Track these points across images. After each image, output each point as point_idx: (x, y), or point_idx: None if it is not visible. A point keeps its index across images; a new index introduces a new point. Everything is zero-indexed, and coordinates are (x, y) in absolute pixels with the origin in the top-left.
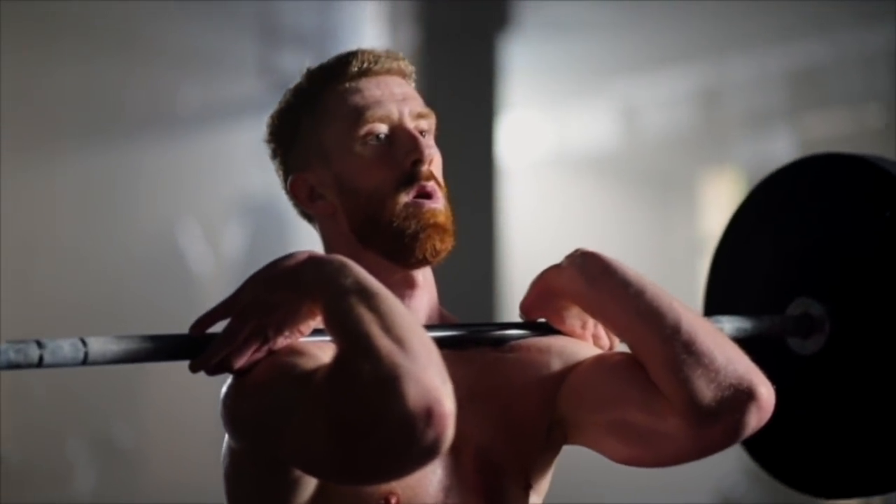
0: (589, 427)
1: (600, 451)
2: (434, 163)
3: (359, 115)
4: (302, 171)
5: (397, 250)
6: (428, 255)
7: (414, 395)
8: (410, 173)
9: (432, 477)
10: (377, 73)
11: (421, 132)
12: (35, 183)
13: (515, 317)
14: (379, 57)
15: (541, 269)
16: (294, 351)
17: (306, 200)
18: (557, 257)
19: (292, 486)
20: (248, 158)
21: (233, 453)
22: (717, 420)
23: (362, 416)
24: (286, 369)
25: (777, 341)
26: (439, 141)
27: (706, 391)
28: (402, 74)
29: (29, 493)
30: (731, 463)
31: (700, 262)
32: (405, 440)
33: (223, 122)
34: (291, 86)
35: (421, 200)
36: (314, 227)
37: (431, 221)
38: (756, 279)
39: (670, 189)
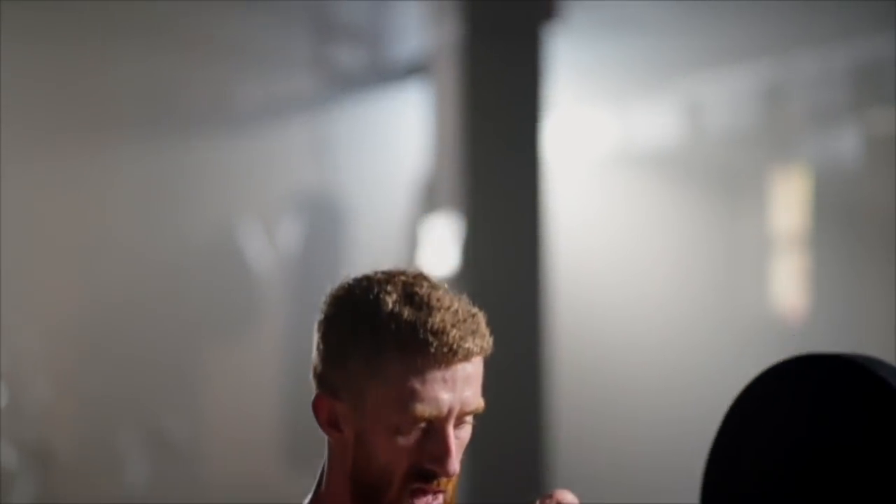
0: None
1: None
2: (454, 472)
3: (410, 406)
4: (332, 397)
5: None
6: None
7: None
8: (426, 476)
9: None
10: (450, 363)
11: (464, 414)
12: (98, 178)
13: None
14: (461, 343)
15: (597, 269)
16: None
17: (325, 423)
18: (619, 256)
19: None
20: (303, 153)
21: None
22: None
23: None
24: None
25: None
26: (485, 140)
27: None
28: (480, 354)
29: (81, 486)
30: None
31: (769, 261)
32: None
33: (278, 118)
34: (367, 305)
35: (422, 499)
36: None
37: None
38: (750, 477)
39: (736, 187)
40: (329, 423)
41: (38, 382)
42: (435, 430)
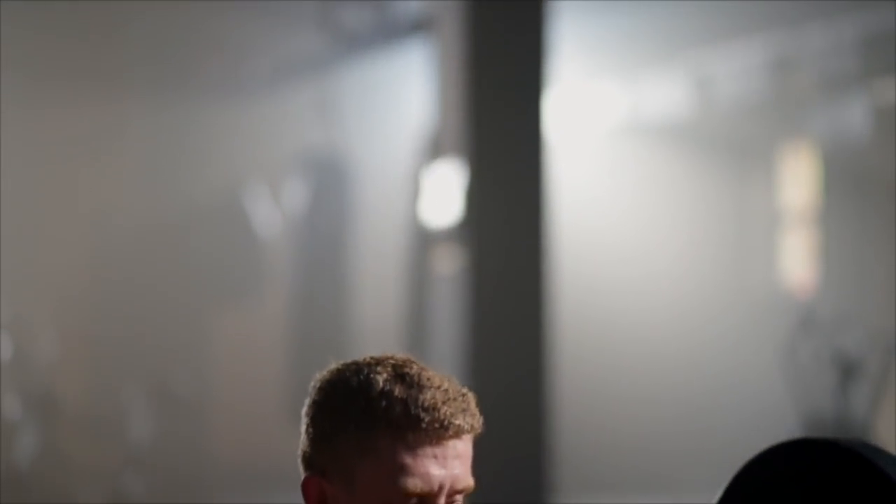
0: None
1: None
2: None
3: (401, 483)
4: (321, 478)
5: None
6: None
7: None
8: None
9: None
10: (441, 440)
11: (455, 492)
12: (106, 137)
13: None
14: (451, 420)
15: (603, 242)
16: None
17: (313, 501)
18: (625, 228)
19: None
20: (308, 113)
21: None
22: None
23: None
24: None
25: None
26: (488, 112)
27: None
28: (471, 432)
29: (85, 438)
30: (787, 416)
31: (778, 234)
32: None
33: (284, 78)
34: (359, 381)
35: None
36: None
37: None
38: None
39: (745, 160)
40: (318, 501)
41: (45, 335)
42: None
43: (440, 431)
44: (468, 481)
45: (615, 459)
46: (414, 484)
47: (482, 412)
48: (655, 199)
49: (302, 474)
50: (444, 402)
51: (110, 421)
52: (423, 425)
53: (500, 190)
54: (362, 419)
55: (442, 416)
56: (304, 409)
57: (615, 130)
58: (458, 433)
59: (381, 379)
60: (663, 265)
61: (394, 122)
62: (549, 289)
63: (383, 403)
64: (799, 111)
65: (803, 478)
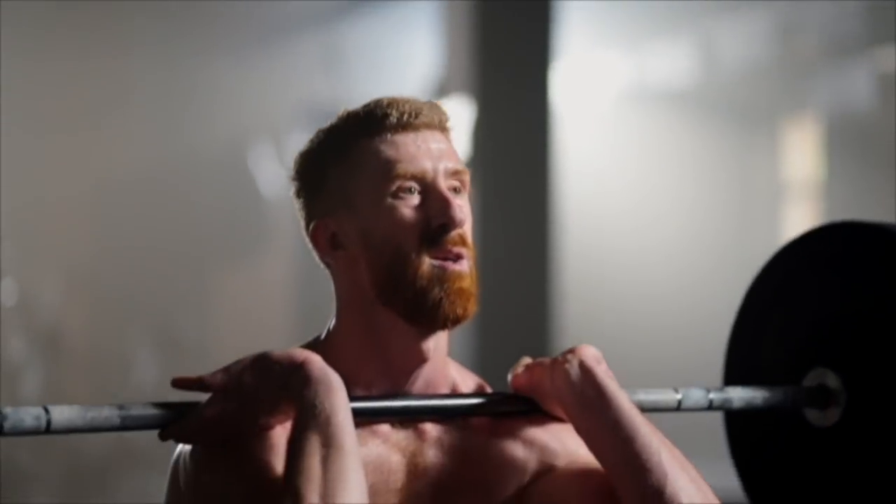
0: None
1: None
2: (465, 225)
3: (391, 169)
4: (325, 218)
5: (418, 313)
6: (449, 323)
7: None
8: (438, 236)
9: None
10: (415, 128)
11: (455, 189)
12: (109, 90)
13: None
14: (419, 110)
15: (608, 210)
16: (266, 444)
17: (327, 248)
18: (630, 196)
19: None
20: (314, 67)
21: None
22: None
23: None
24: (245, 472)
25: (793, 413)
26: (495, 86)
27: None
28: (442, 129)
29: (91, 381)
30: None
31: (782, 204)
32: None
33: (290, 32)
34: (324, 127)
35: (446, 263)
36: (330, 275)
37: (456, 286)
38: (773, 349)
39: (750, 127)
40: (331, 245)
41: (50, 279)
42: (429, 191)
43: (410, 120)
44: (460, 163)
45: None
46: (404, 168)
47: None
48: (659, 167)
49: (307, 239)
50: (406, 101)
51: (115, 366)
52: (392, 119)
53: (507, 154)
54: (338, 145)
55: (408, 108)
56: (292, 193)
57: (619, 98)
58: (428, 124)
59: (345, 112)
60: (666, 233)
61: (400, 76)
62: (554, 258)
63: (349, 121)
64: (803, 78)
65: (844, 260)
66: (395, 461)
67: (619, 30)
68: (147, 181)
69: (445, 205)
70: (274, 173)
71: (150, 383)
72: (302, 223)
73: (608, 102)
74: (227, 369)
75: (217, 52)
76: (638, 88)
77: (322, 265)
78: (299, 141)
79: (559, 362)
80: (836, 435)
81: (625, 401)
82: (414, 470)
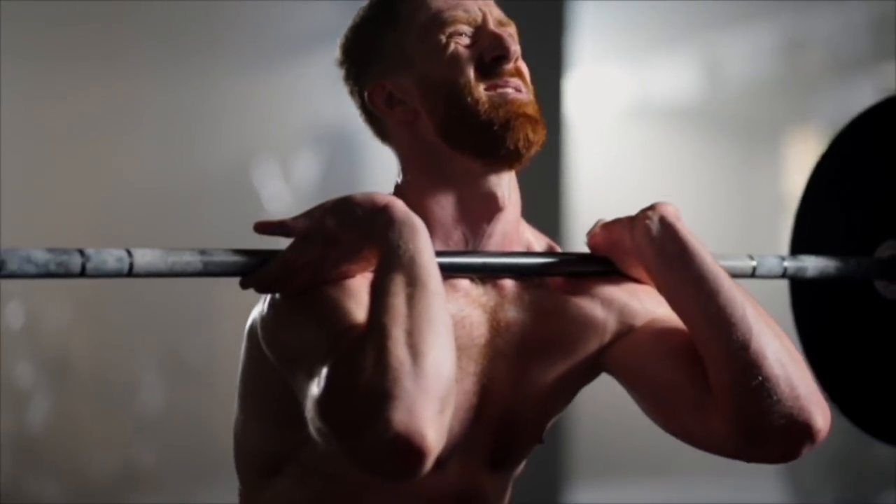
0: (631, 389)
1: (634, 399)
2: (521, 63)
3: (442, 16)
4: (380, 80)
5: (488, 142)
6: (521, 146)
7: (399, 422)
8: (493, 67)
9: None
10: None
11: (500, 24)
12: (115, 109)
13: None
14: None
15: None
16: (345, 288)
17: (385, 108)
18: (636, 210)
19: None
20: (321, 87)
21: (260, 345)
22: (766, 445)
23: (345, 420)
24: (326, 311)
25: (864, 284)
26: None
27: (761, 419)
28: None
29: (97, 406)
30: None
31: (782, 218)
32: (377, 459)
33: (298, 51)
34: (366, 3)
35: (506, 91)
36: (388, 146)
37: (521, 111)
38: (845, 219)
39: (754, 143)
40: (388, 104)
41: (56, 302)
42: (480, 32)
43: None
44: (504, 16)
45: (632, 445)
46: (454, 14)
47: None
48: (663, 181)
49: (363, 116)
50: None
51: (122, 390)
52: None
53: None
54: (385, 8)
55: None
56: (342, 77)
57: (624, 113)
58: None
59: None
60: None
61: None
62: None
63: None
64: (807, 94)
65: None
66: (477, 316)
67: (623, 45)
68: (153, 202)
69: (498, 39)
70: (280, 193)
71: (158, 407)
72: (356, 102)
73: (612, 117)
74: (309, 213)
75: (223, 72)
76: (642, 103)
77: (380, 139)
78: (305, 161)
79: (640, 218)
80: None
81: (707, 256)
82: (496, 326)
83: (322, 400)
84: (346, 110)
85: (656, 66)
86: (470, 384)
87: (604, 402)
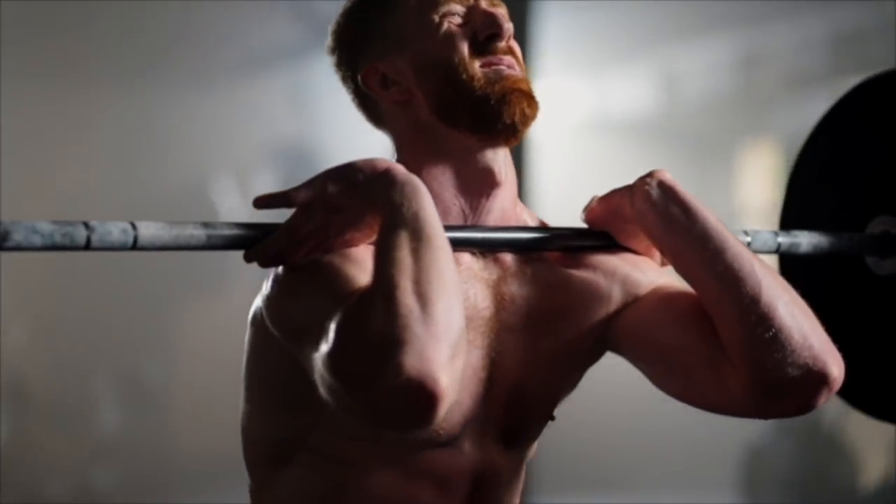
0: (642, 360)
1: (645, 375)
2: (512, 41)
3: None
4: (373, 63)
5: (485, 117)
6: (517, 120)
7: (412, 368)
8: (487, 45)
9: (454, 406)
10: None
11: (493, 4)
12: (71, 128)
13: None
14: None
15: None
16: (349, 257)
17: (379, 89)
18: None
19: (313, 383)
20: (280, 105)
21: (264, 327)
22: (785, 398)
23: (357, 371)
24: (331, 278)
25: (855, 260)
26: None
27: (777, 371)
28: None
29: (55, 429)
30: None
31: (738, 230)
32: (392, 408)
33: (257, 68)
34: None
35: (500, 67)
36: (383, 129)
37: (516, 86)
38: (836, 195)
39: (710, 156)
40: (383, 86)
41: (13, 325)
42: (473, 11)
43: None
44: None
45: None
46: None
47: None
48: None
49: (357, 104)
50: None
51: (78, 412)
52: None
53: None
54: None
55: None
56: (332, 64)
57: (583, 126)
58: None
59: None
60: None
61: None
62: None
63: None
64: (764, 109)
65: None
66: (481, 290)
67: (582, 58)
68: (108, 218)
69: (491, 17)
70: (237, 208)
71: (114, 430)
72: (349, 88)
73: (571, 130)
74: (310, 182)
75: (181, 87)
76: (601, 116)
77: (373, 124)
78: (263, 177)
79: (638, 185)
80: None
81: (710, 215)
82: (500, 300)
83: (332, 354)
84: (304, 127)
85: (615, 79)
86: (478, 358)
87: (568, 417)
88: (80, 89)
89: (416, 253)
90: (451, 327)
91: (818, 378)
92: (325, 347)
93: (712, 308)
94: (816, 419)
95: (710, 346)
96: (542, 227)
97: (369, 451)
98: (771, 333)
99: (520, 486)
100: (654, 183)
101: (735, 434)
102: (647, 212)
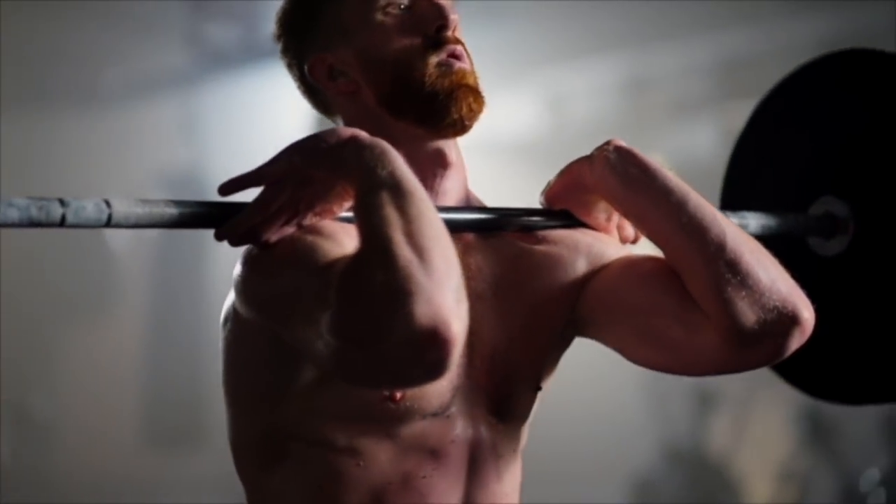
0: (613, 330)
1: (620, 351)
2: (458, 30)
3: None
4: (320, 53)
5: (432, 112)
6: (464, 115)
7: (422, 315)
8: (437, 38)
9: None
10: None
11: None
12: None
13: None
14: None
15: None
16: (321, 232)
17: (326, 80)
18: None
19: (295, 365)
20: (172, 132)
21: (238, 318)
22: (758, 343)
23: (366, 327)
24: (307, 253)
25: (798, 241)
26: None
27: (749, 314)
28: None
29: None
30: (648, 444)
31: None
32: (406, 359)
33: (147, 94)
34: None
35: (451, 60)
36: (331, 118)
37: (463, 81)
38: (778, 176)
39: None
40: (329, 77)
41: None
42: (419, 4)
43: None
44: None
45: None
46: None
47: None
48: None
49: (301, 90)
50: None
51: None
52: None
53: None
54: None
55: None
56: (280, 53)
57: (469, 147)
58: None
59: None
60: None
61: (261, 142)
62: None
63: None
64: (651, 132)
65: (853, 85)
66: None
67: None
68: None
69: (438, 7)
70: (129, 235)
71: (2, 461)
72: (294, 75)
73: (461, 151)
74: (275, 158)
75: (72, 113)
76: (491, 138)
77: (320, 112)
78: None
79: (596, 154)
80: (842, 264)
81: (668, 172)
82: (468, 270)
83: (337, 318)
84: (197, 153)
85: (502, 99)
86: None
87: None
88: None
89: (402, 209)
90: (451, 273)
91: (790, 319)
92: (326, 315)
93: (680, 261)
94: (705, 450)
95: (678, 301)
96: (503, 208)
97: (358, 430)
98: (739, 278)
99: (519, 472)
100: (611, 148)
101: (625, 463)
102: (608, 176)
